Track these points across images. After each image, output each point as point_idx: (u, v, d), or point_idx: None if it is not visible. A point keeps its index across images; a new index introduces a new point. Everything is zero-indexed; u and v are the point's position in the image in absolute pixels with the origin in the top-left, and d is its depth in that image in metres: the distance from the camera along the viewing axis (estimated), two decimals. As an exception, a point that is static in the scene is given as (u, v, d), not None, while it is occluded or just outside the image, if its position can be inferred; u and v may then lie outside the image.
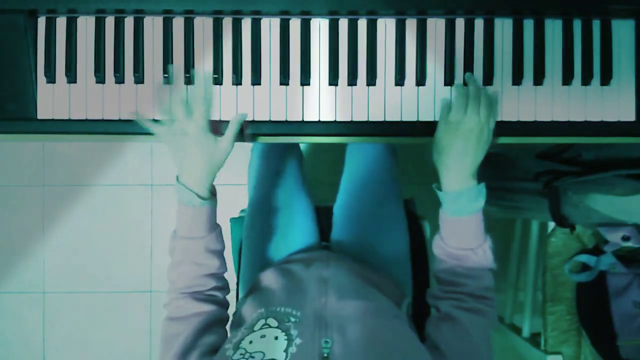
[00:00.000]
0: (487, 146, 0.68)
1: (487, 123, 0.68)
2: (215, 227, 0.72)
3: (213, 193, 0.71)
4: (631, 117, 0.73)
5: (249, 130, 0.73)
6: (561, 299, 1.11)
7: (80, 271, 1.70)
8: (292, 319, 0.58)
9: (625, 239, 1.04)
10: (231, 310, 0.74)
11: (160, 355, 0.64)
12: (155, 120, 0.70)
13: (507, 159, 1.13)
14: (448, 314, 0.66)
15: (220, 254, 0.72)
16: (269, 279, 0.74)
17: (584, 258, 1.09)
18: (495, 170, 1.17)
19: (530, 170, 1.03)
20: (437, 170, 0.70)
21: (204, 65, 0.73)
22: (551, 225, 1.13)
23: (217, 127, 0.70)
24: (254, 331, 0.57)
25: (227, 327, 0.72)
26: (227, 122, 0.71)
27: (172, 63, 0.73)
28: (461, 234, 0.69)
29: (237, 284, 0.97)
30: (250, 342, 0.55)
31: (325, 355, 0.52)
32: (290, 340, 0.54)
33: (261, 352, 0.53)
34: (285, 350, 0.53)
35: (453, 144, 0.67)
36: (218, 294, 0.72)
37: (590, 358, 1.09)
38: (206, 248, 0.69)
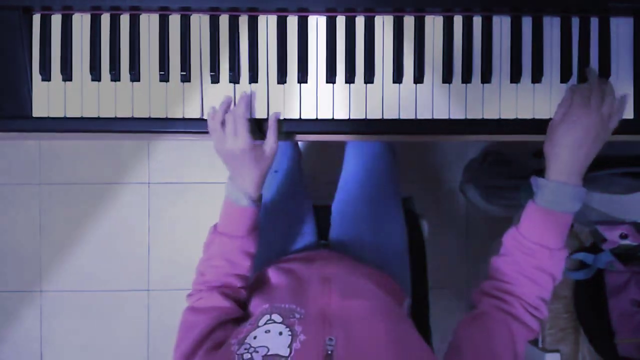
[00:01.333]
0: (602, 145, 0.66)
1: (608, 121, 0.66)
2: (254, 230, 0.73)
3: (259, 198, 0.73)
4: (629, 115, 0.73)
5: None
6: (559, 297, 1.11)
7: (77, 270, 1.70)
8: (297, 315, 0.58)
9: (623, 236, 1.04)
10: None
11: (177, 341, 0.65)
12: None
13: (505, 157, 1.13)
14: (484, 312, 0.63)
15: (252, 257, 0.73)
16: (271, 277, 0.75)
17: (581, 256, 1.09)
18: (493, 169, 1.17)
19: (527, 169, 1.03)
20: (545, 158, 0.67)
21: (200, 63, 0.73)
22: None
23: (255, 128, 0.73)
24: (259, 326, 0.57)
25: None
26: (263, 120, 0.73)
27: (168, 61, 0.73)
28: (546, 229, 0.65)
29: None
30: (255, 337, 0.55)
31: (329, 352, 0.52)
32: (294, 336, 0.54)
33: (265, 346, 0.53)
34: (289, 346, 0.53)
35: (570, 136, 0.64)
36: (241, 296, 0.73)
37: (588, 356, 1.10)
38: (242, 248, 0.71)
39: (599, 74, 0.73)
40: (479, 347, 0.60)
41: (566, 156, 0.64)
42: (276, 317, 0.58)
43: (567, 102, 0.67)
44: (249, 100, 0.72)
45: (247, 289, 0.74)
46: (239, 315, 0.70)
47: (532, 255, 0.64)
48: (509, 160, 1.17)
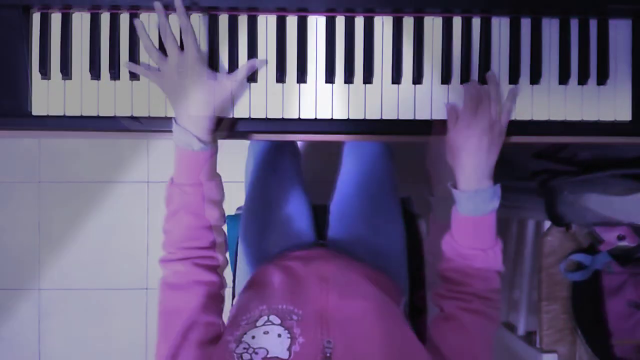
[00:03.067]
0: (500, 143, 0.68)
1: (498, 120, 0.68)
2: (215, 176, 0.68)
3: (214, 139, 0.68)
4: (627, 117, 0.73)
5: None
6: (556, 297, 1.11)
7: (75, 268, 1.70)
8: (295, 317, 0.58)
9: (621, 238, 1.04)
10: (226, 308, 0.73)
11: (161, 330, 0.61)
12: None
13: (503, 158, 1.13)
14: (452, 315, 0.66)
15: (220, 205, 0.69)
16: (269, 275, 0.74)
17: (579, 257, 1.09)
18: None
19: (526, 170, 1.04)
20: (452, 169, 0.70)
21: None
22: (547, 224, 1.14)
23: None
24: (257, 327, 0.56)
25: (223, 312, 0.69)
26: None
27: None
28: (474, 234, 0.69)
29: (234, 281, 0.97)
30: (253, 337, 0.55)
31: (328, 355, 0.52)
32: (293, 338, 0.54)
33: (265, 348, 0.53)
34: (289, 349, 0.53)
35: (466, 144, 0.67)
36: (218, 254, 0.68)
37: (585, 357, 1.10)
38: (205, 196, 0.65)
39: (598, 76, 0.73)
40: (458, 348, 0.62)
41: (470, 163, 0.67)
42: (274, 319, 0.58)
43: (452, 115, 0.69)
44: (184, 11, 0.68)
45: (225, 243, 0.70)
46: (222, 289, 0.67)
47: (468, 258, 0.69)
48: (507, 160, 1.17)
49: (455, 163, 0.69)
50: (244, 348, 0.53)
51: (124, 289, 1.70)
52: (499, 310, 0.68)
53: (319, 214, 0.96)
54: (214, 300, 0.66)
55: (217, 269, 0.68)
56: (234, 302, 0.78)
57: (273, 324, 0.57)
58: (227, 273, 0.82)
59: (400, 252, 0.92)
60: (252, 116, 0.73)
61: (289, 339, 0.54)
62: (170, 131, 0.68)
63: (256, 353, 0.52)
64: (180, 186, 0.65)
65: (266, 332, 0.55)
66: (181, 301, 0.63)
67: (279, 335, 0.55)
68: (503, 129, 0.69)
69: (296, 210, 0.94)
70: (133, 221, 1.69)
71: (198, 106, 0.65)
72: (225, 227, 0.74)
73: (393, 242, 0.92)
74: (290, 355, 0.52)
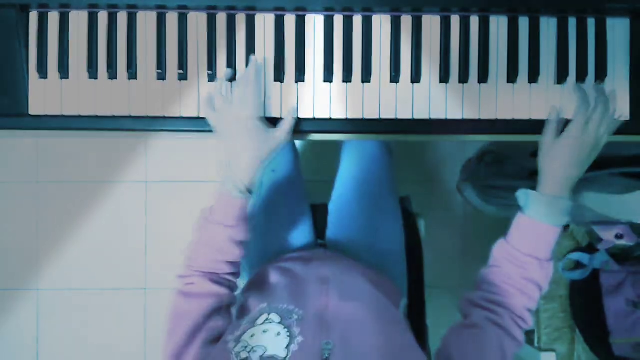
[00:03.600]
0: (595, 157, 0.68)
1: (602, 139, 0.68)
2: (244, 220, 0.71)
3: (251, 188, 0.71)
4: (625, 115, 0.73)
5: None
6: (555, 296, 1.11)
7: (74, 268, 1.69)
8: (295, 317, 0.58)
9: (619, 237, 1.04)
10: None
11: (169, 331, 0.64)
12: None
13: (502, 157, 1.13)
14: (477, 325, 0.63)
15: (243, 245, 0.72)
16: (269, 276, 0.74)
17: (577, 256, 1.09)
18: (490, 169, 1.17)
19: (524, 169, 1.04)
20: (540, 171, 0.69)
21: (198, 61, 0.73)
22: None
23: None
24: (256, 325, 0.57)
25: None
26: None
27: (165, 59, 0.73)
28: (536, 241, 0.66)
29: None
30: (252, 335, 0.55)
31: (326, 356, 0.52)
32: (292, 337, 0.54)
33: (263, 346, 0.53)
34: (287, 348, 0.53)
35: (568, 153, 0.67)
36: (232, 278, 0.72)
37: (583, 355, 1.10)
38: (232, 238, 0.69)
39: (596, 74, 0.73)
40: (471, 358, 0.60)
41: (562, 172, 0.67)
42: (274, 317, 0.58)
43: (553, 122, 0.69)
44: (260, 68, 0.71)
45: (238, 275, 0.73)
46: (232, 301, 0.69)
47: (521, 266, 0.65)
48: (506, 160, 1.17)
49: (549, 167, 0.68)
50: (243, 347, 0.53)
51: (122, 289, 1.69)
52: (524, 331, 0.65)
53: (318, 214, 0.96)
54: (223, 309, 0.68)
55: (231, 287, 0.71)
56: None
57: (273, 322, 0.57)
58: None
59: (400, 252, 0.92)
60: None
61: (288, 338, 0.54)
62: (168, 131, 0.68)
63: (254, 351, 0.52)
64: (211, 222, 0.69)
65: (265, 331, 0.55)
66: (192, 306, 0.65)
67: (278, 334, 0.55)
68: (601, 147, 0.69)
69: (295, 210, 0.94)
70: (131, 221, 1.69)
71: (248, 157, 0.68)
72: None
73: (392, 242, 0.92)
74: (288, 355, 0.52)
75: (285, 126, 0.70)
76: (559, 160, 0.67)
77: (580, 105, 0.69)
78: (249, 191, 0.70)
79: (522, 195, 0.69)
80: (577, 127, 0.67)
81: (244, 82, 0.69)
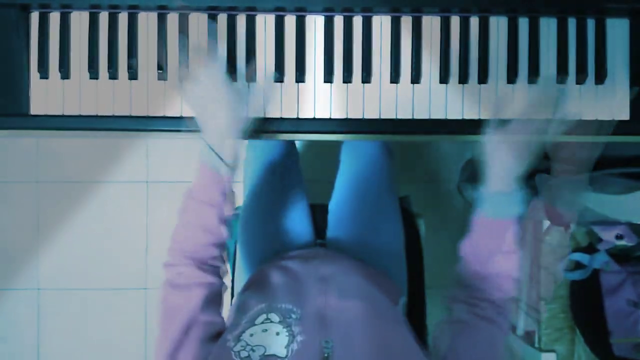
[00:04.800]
0: (537, 155, 0.68)
1: (547, 138, 0.67)
2: (230, 195, 0.69)
3: (235, 161, 0.69)
4: (625, 115, 0.74)
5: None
6: (555, 297, 1.11)
7: (75, 268, 1.69)
8: (294, 316, 0.58)
9: (619, 237, 1.04)
10: (225, 307, 0.73)
11: (162, 329, 0.62)
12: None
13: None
14: (462, 319, 0.65)
15: (229, 223, 0.70)
16: (269, 275, 0.74)
17: (577, 256, 1.09)
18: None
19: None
20: (481, 168, 0.69)
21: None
22: (545, 224, 1.14)
23: None
24: (255, 325, 0.57)
25: (223, 312, 0.70)
26: None
27: (166, 59, 0.73)
28: (496, 237, 0.68)
29: (232, 282, 0.97)
30: (252, 334, 0.55)
31: (326, 355, 0.52)
32: (292, 337, 0.54)
33: (262, 346, 0.53)
34: (287, 347, 0.53)
35: (507, 150, 0.66)
36: (219, 263, 0.70)
37: (583, 356, 1.10)
38: (219, 217, 0.67)
39: (595, 75, 0.73)
40: (464, 354, 0.61)
41: (507, 169, 0.67)
42: (273, 317, 0.58)
43: (495, 120, 0.68)
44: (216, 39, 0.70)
45: (224, 260, 0.72)
46: (221, 290, 0.68)
47: (487, 263, 0.68)
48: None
49: (493, 164, 0.68)
50: (242, 346, 0.53)
51: (123, 288, 1.70)
52: (509, 320, 0.67)
53: (318, 214, 0.96)
54: (215, 300, 0.67)
55: (219, 273, 0.69)
56: (232, 303, 0.78)
57: (272, 322, 0.57)
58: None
59: (399, 251, 0.92)
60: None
61: (288, 338, 0.54)
62: (169, 131, 0.68)
63: (254, 351, 0.52)
64: (198, 202, 0.66)
65: (265, 330, 0.55)
66: (183, 300, 0.63)
67: (278, 334, 0.55)
68: (546, 144, 0.68)
69: (295, 210, 0.94)
70: (132, 221, 1.69)
71: (224, 124, 0.66)
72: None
73: (392, 241, 0.92)
74: (288, 354, 0.52)
75: (260, 82, 0.69)
76: (500, 158, 0.67)
77: (530, 98, 0.68)
78: (234, 165, 0.68)
79: (477, 194, 0.70)
80: (517, 126, 0.67)
81: (207, 63, 0.67)
